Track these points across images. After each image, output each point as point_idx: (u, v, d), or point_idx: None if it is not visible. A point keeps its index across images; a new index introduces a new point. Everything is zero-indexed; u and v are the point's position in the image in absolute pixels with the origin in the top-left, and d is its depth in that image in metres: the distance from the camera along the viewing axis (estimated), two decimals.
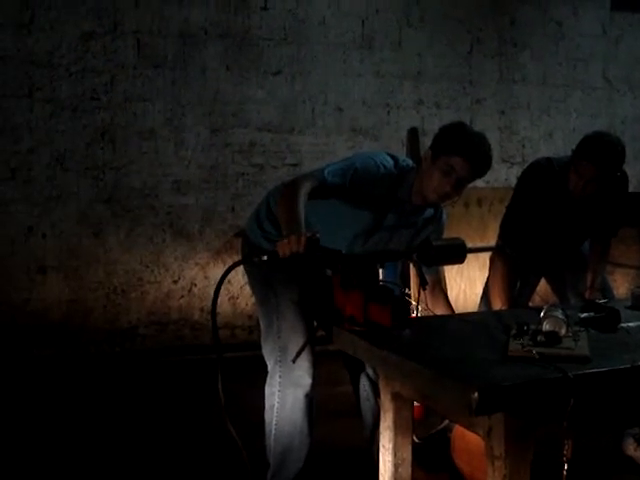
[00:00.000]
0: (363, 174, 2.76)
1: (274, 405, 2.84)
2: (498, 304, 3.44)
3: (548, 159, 3.74)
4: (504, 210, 3.86)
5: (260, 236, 3.03)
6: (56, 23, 5.30)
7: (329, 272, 2.69)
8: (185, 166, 5.70)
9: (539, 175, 3.67)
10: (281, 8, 5.90)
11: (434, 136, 2.86)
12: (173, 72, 5.62)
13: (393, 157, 2.92)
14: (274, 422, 2.85)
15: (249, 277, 3.09)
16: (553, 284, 4.10)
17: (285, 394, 2.81)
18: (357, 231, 2.79)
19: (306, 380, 2.80)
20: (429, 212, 2.98)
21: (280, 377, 2.81)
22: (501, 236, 3.82)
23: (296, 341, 2.77)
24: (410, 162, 2.95)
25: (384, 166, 2.82)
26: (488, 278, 3.94)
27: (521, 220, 3.68)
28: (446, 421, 3.28)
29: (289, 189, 2.63)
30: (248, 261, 2.38)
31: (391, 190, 2.80)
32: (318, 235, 2.29)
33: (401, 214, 2.87)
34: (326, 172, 2.74)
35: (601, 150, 3.41)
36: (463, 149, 2.70)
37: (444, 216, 3.06)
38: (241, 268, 3.15)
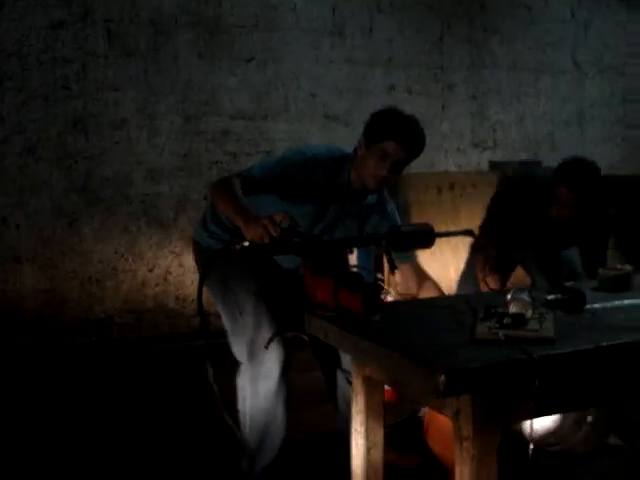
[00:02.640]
0: (294, 165, 2.78)
1: (246, 397, 2.86)
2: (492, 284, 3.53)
3: (528, 177, 3.83)
4: (476, 195, 3.95)
5: (208, 237, 3.04)
6: (25, 12, 5.26)
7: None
8: (158, 154, 5.70)
9: (516, 195, 3.76)
10: None
11: (365, 123, 2.88)
12: (145, 61, 5.60)
13: (328, 147, 2.96)
14: (248, 413, 2.86)
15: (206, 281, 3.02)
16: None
17: (256, 386, 2.81)
18: (301, 225, 2.78)
19: (276, 371, 2.79)
20: (371, 199, 2.98)
21: (250, 370, 2.81)
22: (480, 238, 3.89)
23: (262, 333, 2.77)
24: (345, 150, 2.96)
25: (315, 156, 2.83)
26: (465, 268, 4.03)
27: (499, 232, 3.77)
28: (418, 408, 3.34)
29: (220, 186, 2.69)
30: (226, 252, 2.37)
31: (328, 179, 2.82)
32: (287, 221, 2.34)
33: (343, 204, 2.88)
34: (254, 169, 2.80)
35: (580, 177, 3.51)
36: (395, 133, 2.74)
37: (389, 206, 3.03)
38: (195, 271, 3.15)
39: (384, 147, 2.74)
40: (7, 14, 5.22)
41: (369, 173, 2.77)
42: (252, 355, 2.80)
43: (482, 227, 3.91)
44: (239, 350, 2.86)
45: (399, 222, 3.02)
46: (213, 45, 5.82)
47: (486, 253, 3.69)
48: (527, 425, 2.85)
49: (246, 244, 2.29)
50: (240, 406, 2.91)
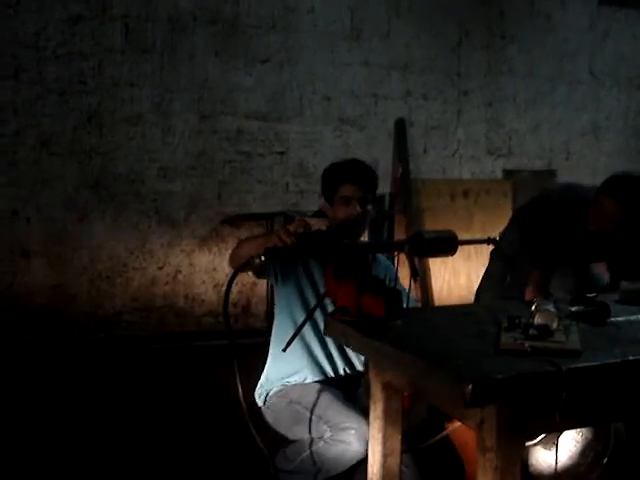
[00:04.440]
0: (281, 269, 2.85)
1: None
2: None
3: (574, 195, 3.84)
4: (489, 202, 3.97)
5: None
6: (43, 4, 5.26)
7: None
8: (172, 152, 5.68)
9: (558, 210, 3.77)
10: None
11: (321, 188, 2.97)
12: (161, 57, 5.60)
13: None
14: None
15: (272, 415, 2.93)
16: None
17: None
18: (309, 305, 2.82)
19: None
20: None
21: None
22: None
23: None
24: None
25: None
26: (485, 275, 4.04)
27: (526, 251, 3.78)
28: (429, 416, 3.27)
29: (235, 247, 2.75)
30: (248, 264, 2.36)
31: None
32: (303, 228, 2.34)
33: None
34: None
35: (627, 190, 3.47)
36: (344, 177, 2.86)
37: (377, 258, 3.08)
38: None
39: (342, 193, 2.84)
40: (25, 6, 5.22)
41: (343, 218, 2.84)
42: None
43: (521, 242, 3.93)
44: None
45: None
46: (230, 44, 5.80)
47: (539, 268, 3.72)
48: (535, 460, 2.79)
49: (263, 258, 2.27)
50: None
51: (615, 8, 7.13)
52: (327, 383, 2.86)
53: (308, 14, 6.04)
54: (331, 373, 2.89)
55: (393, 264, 3.73)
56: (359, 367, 2.96)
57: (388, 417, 2.25)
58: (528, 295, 3.65)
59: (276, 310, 2.93)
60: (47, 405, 4.23)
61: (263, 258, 2.23)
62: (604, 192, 3.53)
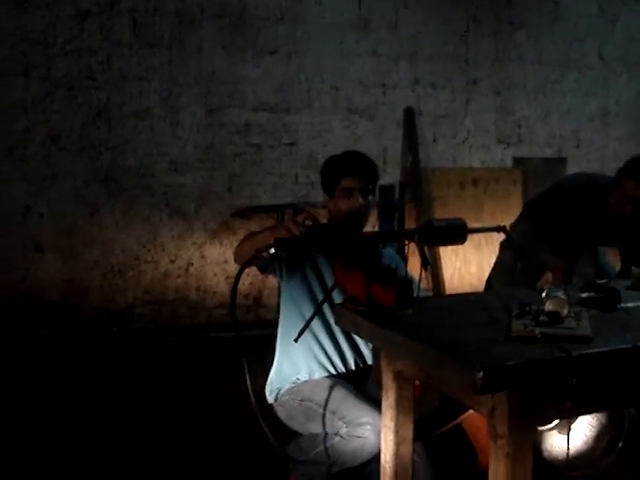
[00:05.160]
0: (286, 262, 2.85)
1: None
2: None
3: (587, 182, 3.83)
4: (499, 191, 3.98)
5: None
6: (52, 1, 5.27)
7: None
8: (181, 146, 5.69)
9: (574, 198, 3.75)
10: None
11: (321, 182, 2.98)
12: (169, 51, 5.60)
13: None
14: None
15: (285, 412, 2.91)
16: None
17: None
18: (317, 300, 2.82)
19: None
20: None
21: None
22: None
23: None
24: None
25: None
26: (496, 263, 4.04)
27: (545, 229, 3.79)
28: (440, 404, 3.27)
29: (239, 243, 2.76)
30: (256, 258, 2.37)
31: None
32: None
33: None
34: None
35: None
36: (344, 169, 2.87)
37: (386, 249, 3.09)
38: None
39: (343, 186, 2.85)
40: (33, 3, 5.23)
41: (347, 210, 2.85)
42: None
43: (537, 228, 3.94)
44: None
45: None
46: (237, 37, 5.80)
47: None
48: (549, 445, 2.78)
49: (272, 251, 2.27)
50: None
51: None
52: (337, 377, 2.86)
53: (315, 5, 6.03)
54: (341, 366, 2.89)
55: (402, 253, 3.75)
56: (369, 359, 2.96)
57: (400, 406, 2.26)
58: (552, 279, 3.66)
59: (282, 305, 2.93)
60: (61, 399, 4.26)
61: (273, 250, 2.23)
62: (625, 174, 3.53)
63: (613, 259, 3.99)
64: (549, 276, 3.96)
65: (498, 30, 6.66)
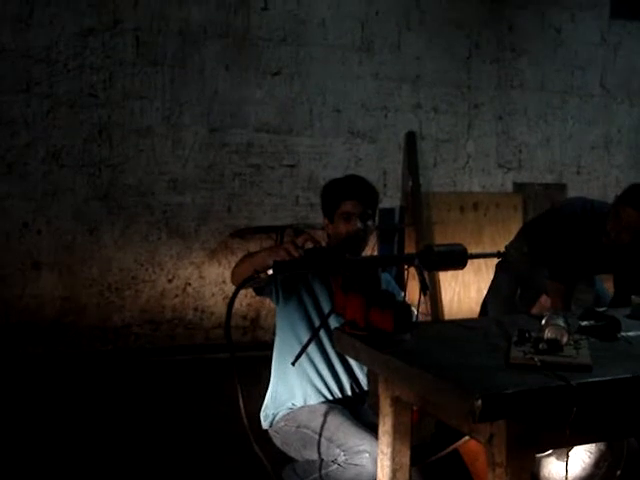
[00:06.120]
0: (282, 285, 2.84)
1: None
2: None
3: (583, 208, 3.82)
4: (499, 215, 3.97)
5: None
6: (55, 18, 5.28)
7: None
8: (182, 165, 5.69)
9: (570, 223, 3.75)
10: (281, 9, 5.90)
11: (321, 205, 2.97)
12: (172, 70, 5.61)
13: None
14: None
15: (280, 438, 2.88)
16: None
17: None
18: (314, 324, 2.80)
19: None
20: None
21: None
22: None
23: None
24: None
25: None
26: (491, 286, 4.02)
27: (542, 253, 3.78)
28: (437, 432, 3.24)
29: (237, 264, 2.75)
30: (253, 279, 2.37)
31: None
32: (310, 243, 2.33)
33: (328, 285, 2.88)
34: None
35: None
36: (344, 194, 2.86)
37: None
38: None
39: (343, 209, 2.84)
40: (37, 20, 5.24)
41: (346, 234, 2.84)
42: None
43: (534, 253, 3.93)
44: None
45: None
46: (240, 57, 5.81)
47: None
48: (547, 471, 2.74)
49: (270, 272, 2.26)
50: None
51: (626, 21, 7.11)
52: (333, 402, 2.83)
53: (319, 27, 6.05)
54: (337, 391, 2.86)
55: (401, 277, 3.73)
56: (364, 384, 2.93)
57: (397, 432, 2.23)
58: (550, 304, 3.64)
59: (278, 328, 2.90)
60: (56, 417, 4.23)
61: (271, 271, 2.22)
62: (623, 202, 3.52)
63: (607, 286, 3.97)
64: (547, 302, 3.94)
65: (500, 57, 6.68)
